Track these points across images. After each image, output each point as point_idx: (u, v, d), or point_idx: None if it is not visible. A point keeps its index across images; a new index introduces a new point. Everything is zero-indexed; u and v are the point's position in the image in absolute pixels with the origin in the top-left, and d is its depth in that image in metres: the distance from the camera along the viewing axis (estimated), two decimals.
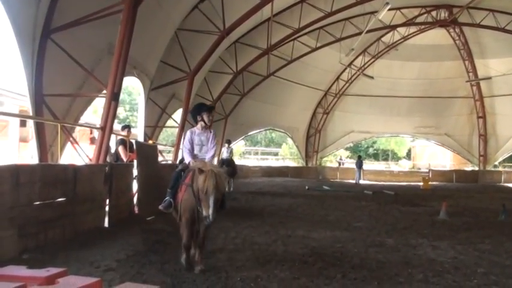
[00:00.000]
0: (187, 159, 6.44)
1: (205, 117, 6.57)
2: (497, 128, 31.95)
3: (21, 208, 6.49)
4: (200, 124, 6.62)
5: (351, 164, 45.03)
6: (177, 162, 11.77)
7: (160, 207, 6.31)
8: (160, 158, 15.36)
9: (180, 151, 15.06)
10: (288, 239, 8.43)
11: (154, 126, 16.68)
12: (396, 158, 60.67)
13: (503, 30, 23.99)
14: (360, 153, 41.77)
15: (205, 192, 5.37)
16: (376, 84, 31.47)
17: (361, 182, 28.22)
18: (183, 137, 6.67)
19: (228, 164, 16.38)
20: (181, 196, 6.02)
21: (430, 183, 26.54)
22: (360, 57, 30.47)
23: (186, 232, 5.94)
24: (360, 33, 23.86)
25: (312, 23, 21.13)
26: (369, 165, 45.09)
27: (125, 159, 11.35)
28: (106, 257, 6.58)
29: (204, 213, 5.39)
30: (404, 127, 34.49)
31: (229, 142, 19.38)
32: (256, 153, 54.26)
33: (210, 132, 6.72)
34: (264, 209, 13.13)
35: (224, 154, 18.30)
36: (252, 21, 18.66)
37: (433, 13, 25.73)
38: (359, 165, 29.46)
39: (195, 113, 6.70)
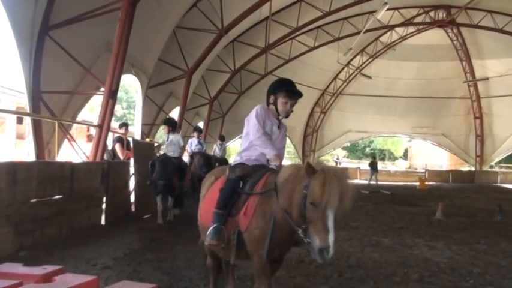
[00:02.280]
0: (269, 152, 4.14)
1: (279, 101, 4.33)
2: (494, 128, 32.03)
3: (17, 205, 6.49)
4: (272, 108, 4.45)
5: (347, 163, 45.10)
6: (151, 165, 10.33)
7: (206, 241, 4.02)
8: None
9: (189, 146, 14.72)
10: None
11: (151, 124, 16.65)
12: (393, 158, 60.78)
13: (501, 31, 24.03)
14: (364, 154, 41.53)
15: (323, 205, 3.29)
16: (373, 84, 31.49)
17: (372, 183, 27.29)
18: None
19: (220, 162, 15.69)
20: (247, 220, 3.79)
21: (426, 183, 26.57)
22: (358, 57, 30.48)
23: (266, 283, 3.79)
24: (358, 33, 23.87)
25: (310, 22, 21.14)
26: (365, 164, 45.13)
27: (121, 157, 11.35)
28: (103, 255, 6.57)
29: (318, 243, 3.28)
30: (402, 127, 34.52)
31: (222, 139, 17.76)
32: None
33: (283, 126, 4.66)
34: None
35: (216, 151, 16.87)
36: (250, 20, 18.64)
37: (431, 13, 25.76)
38: (372, 166, 28.45)
39: (272, 89, 4.47)
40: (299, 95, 4.38)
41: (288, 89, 4.35)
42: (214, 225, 3.92)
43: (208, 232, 3.93)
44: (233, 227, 3.87)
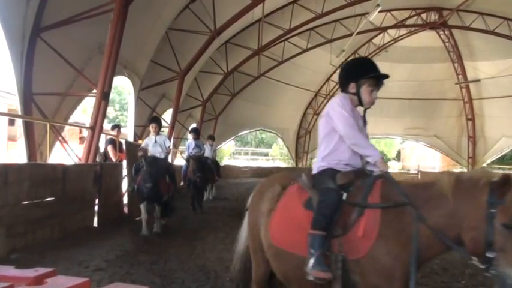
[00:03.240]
0: (372, 153, 3.31)
1: (364, 89, 3.45)
2: (486, 130, 32.15)
3: (9, 207, 6.45)
4: (353, 98, 3.53)
5: None
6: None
7: (312, 274, 2.95)
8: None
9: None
10: None
11: (144, 126, 16.62)
12: (386, 159, 60.65)
13: (493, 33, 24.16)
14: None
15: None
16: None
17: None
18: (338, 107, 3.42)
19: (211, 163, 14.78)
20: (367, 243, 2.90)
21: None
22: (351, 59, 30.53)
23: None
24: (350, 35, 23.93)
25: (303, 24, 21.17)
26: None
27: (114, 159, 11.32)
28: (95, 257, 6.55)
29: None
30: (394, 128, 34.56)
31: (212, 139, 16.80)
32: (247, 154, 54.24)
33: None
34: None
35: (207, 152, 15.46)
36: (243, 21, 18.65)
37: (423, 15, 25.87)
38: None
39: (353, 75, 3.55)
40: (386, 78, 3.57)
41: (375, 75, 3.49)
42: (317, 253, 2.98)
43: (311, 263, 2.98)
44: (335, 253, 3.02)
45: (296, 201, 3.37)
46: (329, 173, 3.34)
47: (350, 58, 29.82)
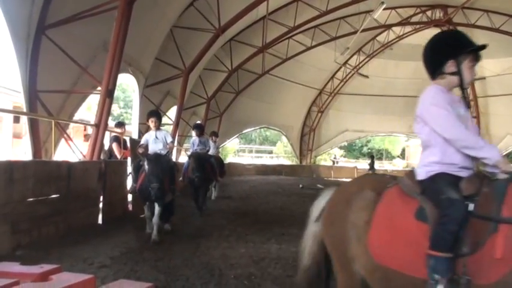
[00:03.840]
0: (489, 153, 2.72)
1: (466, 66, 2.95)
2: (491, 128, 32.05)
3: (14, 204, 6.47)
4: (450, 80, 3.05)
5: (345, 163, 45.13)
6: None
7: None
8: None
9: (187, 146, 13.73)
10: (281, 237, 8.43)
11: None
12: (390, 157, 60.79)
13: (498, 30, 24.06)
14: (361, 154, 41.46)
15: None
16: (370, 84, 31.50)
17: None
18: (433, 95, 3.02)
19: (213, 161, 13.77)
20: (503, 267, 2.41)
21: None
22: (355, 56, 30.47)
23: None
24: (355, 32, 23.89)
25: (307, 21, 21.14)
26: (362, 164, 45.17)
27: (118, 156, 11.33)
28: (100, 254, 6.56)
29: None
30: (399, 126, 34.46)
31: (216, 135, 15.82)
32: (251, 151, 54.26)
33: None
34: (258, 207, 13.13)
35: (211, 150, 14.20)
36: (247, 19, 18.64)
37: (428, 13, 25.79)
38: (371, 165, 28.97)
39: (450, 51, 2.98)
40: (484, 48, 2.96)
41: (478, 47, 2.93)
42: (444, 280, 2.48)
43: None
44: (459, 275, 2.51)
45: (402, 211, 2.82)
46: (445, 179, 2.76)
47: (354, 55, 29.85)
